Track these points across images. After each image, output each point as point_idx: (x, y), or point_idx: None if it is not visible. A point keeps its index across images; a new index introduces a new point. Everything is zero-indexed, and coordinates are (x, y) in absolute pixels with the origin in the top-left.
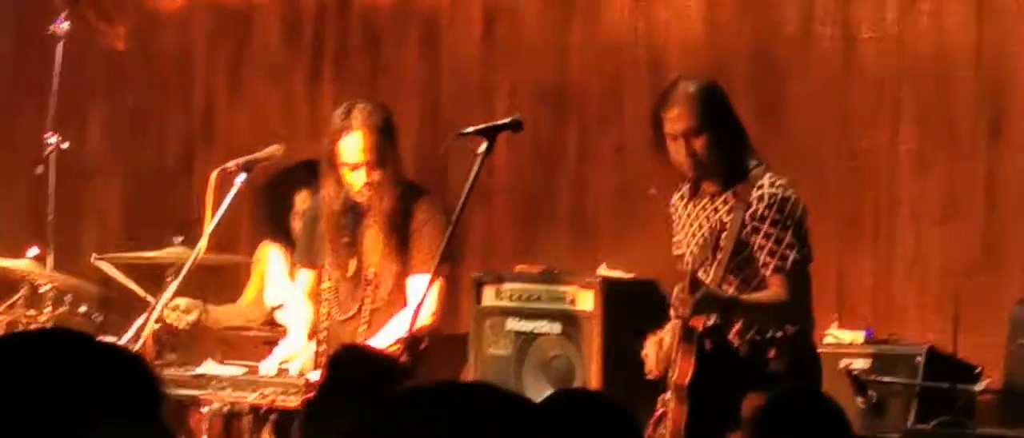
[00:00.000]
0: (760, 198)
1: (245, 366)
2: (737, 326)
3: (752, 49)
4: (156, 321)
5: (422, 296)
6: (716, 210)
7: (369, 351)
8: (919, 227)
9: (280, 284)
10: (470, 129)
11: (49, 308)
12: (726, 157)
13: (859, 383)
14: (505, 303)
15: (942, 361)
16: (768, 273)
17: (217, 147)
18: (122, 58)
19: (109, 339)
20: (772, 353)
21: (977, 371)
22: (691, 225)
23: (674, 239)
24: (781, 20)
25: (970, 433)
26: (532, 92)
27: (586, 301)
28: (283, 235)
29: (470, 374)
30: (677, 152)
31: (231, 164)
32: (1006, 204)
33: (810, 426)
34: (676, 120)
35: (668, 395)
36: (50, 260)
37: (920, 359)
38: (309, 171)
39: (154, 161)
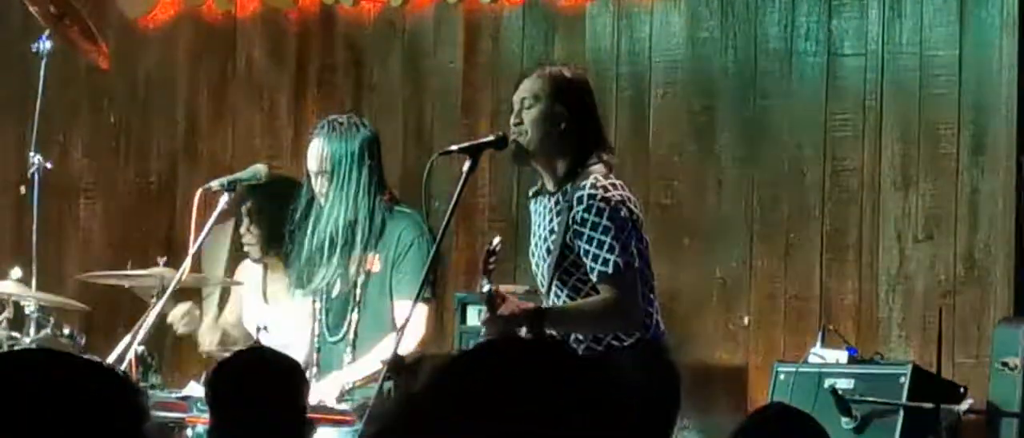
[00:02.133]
0: (580, 200)
1: None
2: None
3: (735, 65)
4: (139, 343)
5: (406, 320)
6: (548, 211)
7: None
8: (902, 245)
9: (256, 306)
10: (454, 147)
11: (33, 329)
12: (552, 144)
13: (843, 402)
14: None
15: (926, 380)
16: (594, 279)
17: (200, 166)
18: (105, 77)
19: (93, 360)
20: (623, 363)
21: (961, 390)
22: (533, 227)
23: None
24: (764, 36)
25: None
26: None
27: None
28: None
29: None
30: (512, 115)
31: (214, 184)
32: (989, 221)
33: None
34: (522, 87)
35: None
36: (33, 281)
37: (904, 379)
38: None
39: (137, 180)
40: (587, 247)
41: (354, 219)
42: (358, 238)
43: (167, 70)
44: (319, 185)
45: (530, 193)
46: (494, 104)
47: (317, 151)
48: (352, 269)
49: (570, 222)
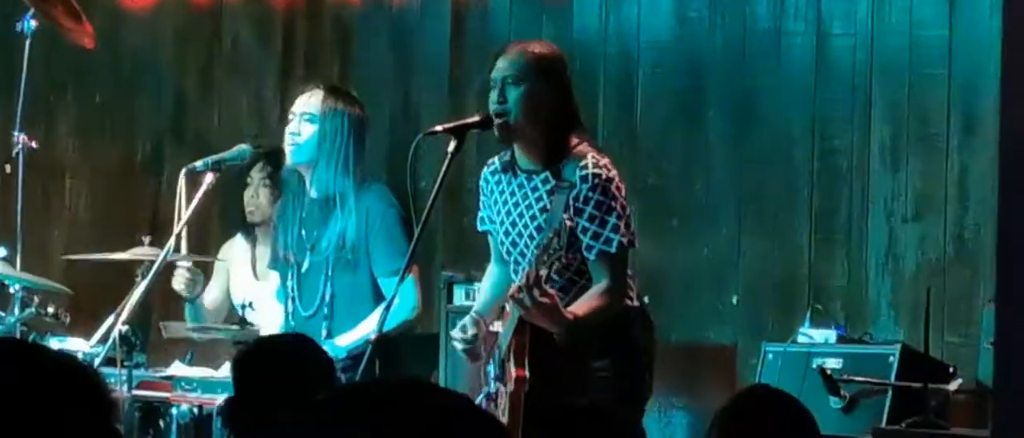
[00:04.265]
0: (584, 179)
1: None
2: None
3: (723, 45)
4: (124, 322)
5: (392, 297)
6: (536, 189)
7: (284, 346)
8: (892, 225)
9: (246, 281)
10: (439, 127)
11: (17, 308)
12: (538, 122)
13: (832, 382)
14: None
15: (915, 360)
16: (591, 257)
17: (186, 146)
18: (90, 56)
19: (77, 340)
20: (593, 341)
21: (950, 370)
22: (505, 203)
23: (481, 214)
24: (752, 16)
25: (943, 433)
26: None
27: None
28: (248, 230)
29: (441, 375)
30: (493, 97)
31: (198, 164)
32: (979, 202)
33: (776, 427)
34: (503, 65)
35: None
36: (18, 260)
37: (893, 358)
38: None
39: (123, 160)
40: (588, 225)
41: (331, 193)
42: (331, 212)
43: (153, 49)
44: (295, 127)
45: (490, 170)
46: (482, 84)
47: (314, 100)
48: (323, 243)
49: (570, 200)
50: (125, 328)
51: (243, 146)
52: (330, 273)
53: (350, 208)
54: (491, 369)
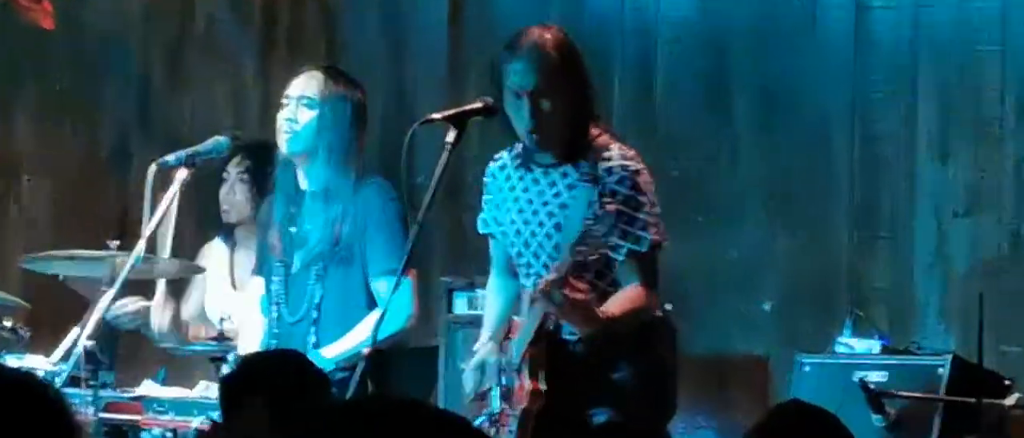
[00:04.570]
0: (610, 172)
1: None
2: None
3: (752, 22)
4: (89, 337)
5: (387, 303)
6: (553, 184)
7: (275, 359)
8: (941, 221)
9: (222, 291)
10: (437, 115)
11: None
12: (573, 124)
13: (875, 398)
14: (479, 312)
15: (968, 372)
16: (620, 257)
17: (156, 139)
18: (49, 38)
19: (37, 358)
20: (615, 353)
21: (1007, 383)
22: (516, 201)
23: (484, 214)
24: None
25: None
26: None
27: None
28: (227, 233)
29: (441, 393)
30: (519, 112)
31: (171, 157)
32: None
33: None
34: (525, 74)
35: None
36: None
37: (943, 370)
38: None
39: (86, 155)
40: (617, 223)
41: (327, 186)
42: (325, 206)
43: (118, 30)
44: (291, 112)
45: (498, 165)
46: (482, 67)
47: (313, 82)
48: (315, 239)
49: (596, 195)
50: (91, 344)
51: (220, 138)
52: (321, 272)
53: (348, 202)
54: (495, 386)
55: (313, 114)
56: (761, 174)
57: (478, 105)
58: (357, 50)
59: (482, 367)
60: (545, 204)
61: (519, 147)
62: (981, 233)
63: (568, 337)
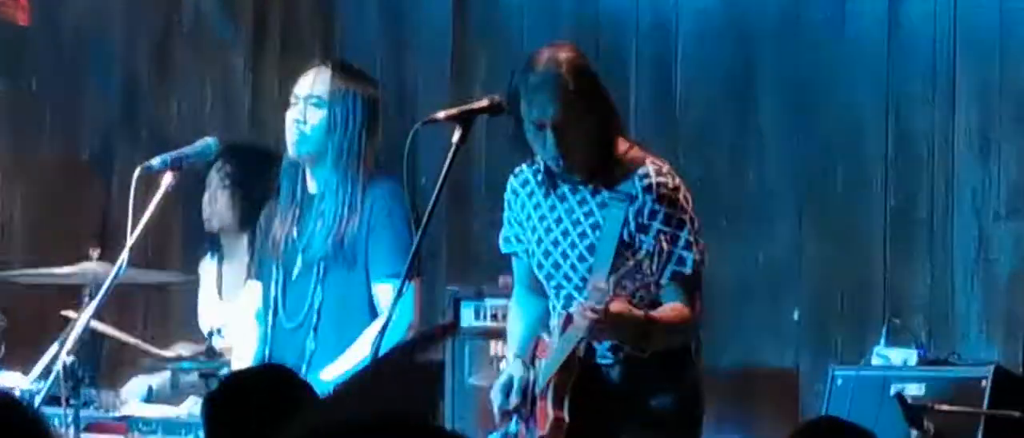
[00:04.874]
0: (648, 189)
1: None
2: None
3: (778, 17)
4: (69, 353)
5: (390, 310)
6: (583, 202)
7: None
8: (982, 223)
9: (213, 304)
10: (441, 114)
11: None
12: (599, 145)
13: (912, 412)
14: (487, 324)
15: (1011, 384)
16: (664, 281)
17: (141, 141)
18: (24, 34)
19: (14, 375)
20: (650, 378)
21: None
22: (543, 219)
23: (506, 232)
24: None
25: None
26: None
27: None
28: (215, 245)
29: (447, 409)
30: (544, 142)
31: (156, 160)
32: None
33: None
34: (545, 105)
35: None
36: None
37: (985, 382)
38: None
39: (66, 159)
40: (655, 243)
41: (335, 188)
42: (331, 207)
43: (99, 25)
44: (299, 113)
45: (519, 180)
46: (488, 63)
47: (322, 80)
48: (318, 242)
49: (631, 215)
50: (70, 359)
51: (209, 140)
52: (321, 275)
53: (355, 204)
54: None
55: (322, 114)
56: (789, 175)
57: (484, 103)
58: (355, 44)
59: (509, 385)
60: (576, 223)
61: (542, 162)
62: None
63: (602, 362)
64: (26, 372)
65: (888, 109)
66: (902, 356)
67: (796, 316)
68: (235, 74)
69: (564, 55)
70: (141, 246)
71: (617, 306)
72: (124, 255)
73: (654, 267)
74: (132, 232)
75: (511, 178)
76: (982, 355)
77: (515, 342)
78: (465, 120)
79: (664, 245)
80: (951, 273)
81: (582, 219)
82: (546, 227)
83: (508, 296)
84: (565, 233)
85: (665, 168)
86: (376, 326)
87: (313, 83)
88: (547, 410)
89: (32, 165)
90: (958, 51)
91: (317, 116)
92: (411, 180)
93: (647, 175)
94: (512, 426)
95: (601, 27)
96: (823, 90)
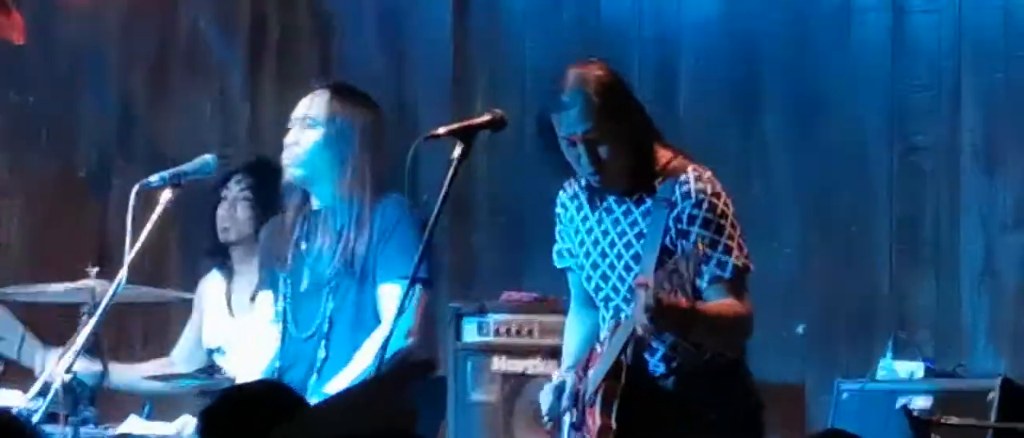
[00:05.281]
0: (686, 195)
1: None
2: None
3: (782, 26)
4: (68, 370)
5: (398, 310)
6: (628, 213)
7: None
8: (988, 235)
9: (221, 321)
10: (442, 129)
11: None
12: (636, 156)
13: (919, 425)
14: (490, 339)
15: (1019, 396)
16: (704, 285)
17: (138, 158)
18: (21, 52)
19: (13, 393)
20: (704, 390)
21: None
22: (590, 233)
23: (559, 247)
24: None
25: None
26: (515, 84)
27: None
28: (223, 262)
29: (449, 425)
30: (578, 158)
31: (154, 178)
32: None
33: None
34: (575, 122)
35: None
36: None
37: (993, 395)
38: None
39: (62, 176)
40: (692, 246)
41: (337, 206)
42: (337, 223)
43: (95, 43)
44: (293, 135)
45: (568, 195)
46: (490, 76)
47: (318, 102)
48: (326, 257)
49: (671, 221)
50: (69, 377)
51: (207, 157)
52: (333, 288)
53: (362, 220)
54: (567, 417)
55: (315, 135)
56: (794, 188)
57: (486, 118)
58: (354, 60)
59: (561, 388)
60: (622, 235)
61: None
62: None
63: (656, 372)
64: (25, 390)
65: (892, 122)
66: (908, 369)
67: (801, 330)
68: (233, 90)
69: (591, 70)
70: (139, 263)
71: (666, 298)
72: (123, 272)
73: (690, 269)
74: (131, 249)
75: (561, 193)
76: (989, 367)
77: (568, 356)
78: (466, 135)
79: (701, 248)
80: (957, 285)
81: (628, 230)
82: (594, 240)
83: (510, 311)
84: (611, 244)
85: (706, 175)
86: (377, 336)
87: (309, 105)
88: (595, 418)
89: (29, 183)
90: (963, 64)
91: (310, 136)
92: (412, 196)
93: (686, 181)
94: (563, 434)
95: (603, 40)
96: (827, 103)
